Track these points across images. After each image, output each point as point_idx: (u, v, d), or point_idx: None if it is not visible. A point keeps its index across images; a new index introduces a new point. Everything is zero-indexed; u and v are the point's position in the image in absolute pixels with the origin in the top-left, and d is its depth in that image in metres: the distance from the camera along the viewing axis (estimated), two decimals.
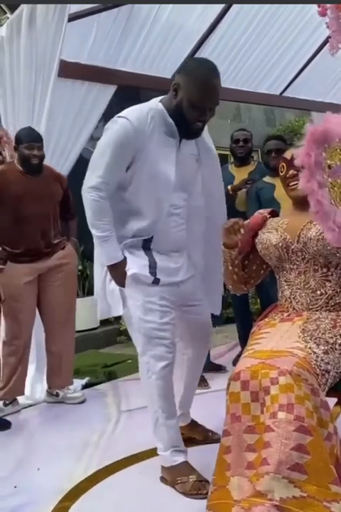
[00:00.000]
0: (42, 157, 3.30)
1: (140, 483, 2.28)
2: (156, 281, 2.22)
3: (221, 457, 1.86)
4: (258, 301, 4.34)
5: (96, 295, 2.41)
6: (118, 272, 2.22)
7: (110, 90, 4.17)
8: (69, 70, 3.85)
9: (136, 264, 2.21)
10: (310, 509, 1.60)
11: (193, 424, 2.63)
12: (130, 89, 5.03)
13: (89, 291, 5.86)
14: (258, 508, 1.61)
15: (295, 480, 1.62)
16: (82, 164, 4.18)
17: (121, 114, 2.19)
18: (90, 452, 2.65)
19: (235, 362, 3.97)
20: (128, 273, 2.20)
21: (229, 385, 1.89)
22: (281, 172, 2.14)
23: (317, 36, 4.83)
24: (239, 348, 4.19)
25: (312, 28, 4.70)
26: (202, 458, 2.35)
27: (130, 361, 4.46)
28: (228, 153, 7.22)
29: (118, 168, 2.17)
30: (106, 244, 2.20)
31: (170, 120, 2.19)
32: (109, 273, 2.27)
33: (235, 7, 4.33)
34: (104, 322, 5.73)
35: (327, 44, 4.79)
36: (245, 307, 4.13)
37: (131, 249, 2.24)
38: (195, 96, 2.11)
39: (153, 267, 2.23)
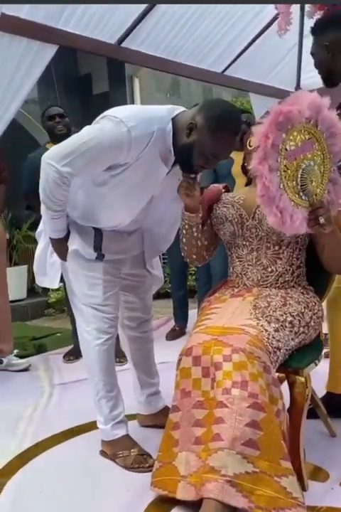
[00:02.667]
0: None
1: (78, 458, 2.21)
2: (100, 257, 2.14)
3: (168, 433, 1.84)
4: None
5: (35, 262, 2.33)
6: (60, 246, 2.14)
7: (50, 50, 3.96)
8: (8, 24, 3.63)
9: (79, 240, 2.12)
10: (261, 484, 1.61)
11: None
12: (69, 51, 4.84)
13: (16, 262, 5.66)
14: (212, 484, 1.60)
15: (248, 456, 1.62)
16: (14, 128, 3.99)
17: (123, 116, 1.88)
18: (24, 427, 2.54)
19: (168, 336, 3.99)
20: (70, 248, 2.12)
21: (179, 360, 1.87)
22: (250, 146, 2.10)
23: (261, 18, 4.85)
24: (171, 323, 4.22)
25: (257, 9, 4.71)
26: (142, 432, 2.33)
27: (59, 335, 4.36)
28: None
29: (94, 168, 1.98)
30: (54, 221, 2.08)
31: (172, 149, 1.96)
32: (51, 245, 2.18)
33: None
34: (32, 294, 5.55)
35: (270, 27, 4.89)
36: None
37: (75, 224, 2.14)
38: (211, 151, 1.92)
39: (98, 242, 2.14)
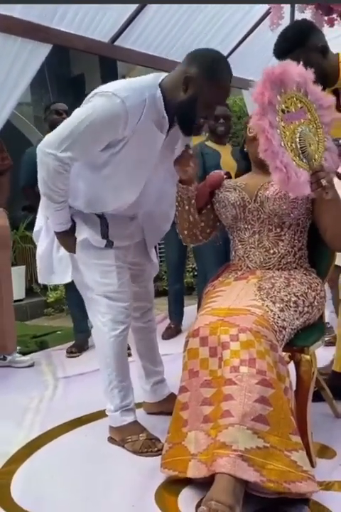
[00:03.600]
0: None
1: (87, 445, 2.23)
2: (109, 244, 2.14)
3: (177, 414, 1.86)
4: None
5: (38, 262, 2.28)
6: (67, 238, 2.12)
7: (44, 49, 3.98)
8: (2, 23, 3.64)
9: (87, 229, 2.11)
10: (272, 458, 1.63)
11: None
12: (62, 52, 4.86)
13: (13, 262, 5.65)
14: (224, 459, 1.61)
15: (258, 431, 1.64)
16: (7, 129, 4.00)
17: (114, 89, 1.87)
18: (31, 418, 2.55)
19: (164, 335, 3.98)
20: (79, 238, 2.10)
21: (187, 342, 1.89)
22: (250, 133, 2.12)
23: (252, 15, 4.90)
24: (167, 321, 4.21)
25: (247, 7, 4.76)
26: (149, 419, 2.35)
27: (60, 332, 4.37)
28: None
29: (93, 148, 1.95)
30: (58, 213, 2.06)
31: (164, 114, 1.94)
32: (56, 240, 2.16)
33: None
34: (30, 294, 5.56)
35: (261, 23, 4.94)
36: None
37: (80, 214, 2.12)
38: (214, 98, 1.93)
39: (104, 230, 2.13)
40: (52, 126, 3.69)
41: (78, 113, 1.94)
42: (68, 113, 3.66)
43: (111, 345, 2.16)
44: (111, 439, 2.23)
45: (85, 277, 2.17)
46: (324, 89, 1.99)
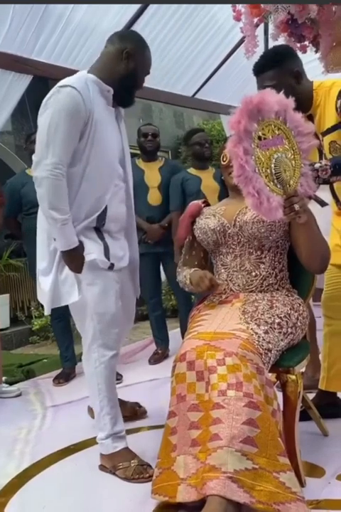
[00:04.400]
0: None
1: (78, 474, 2.24)
2: (111, 267, 2.19)
3: (166, 439, 1.88)
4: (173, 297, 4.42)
5: (41, 284, 2.24)
6: (75, 257, 2.13)
7: (25, 80, 4.06)
8: None
9: (95, 249, 2.16)
10: (261, 480, 1.65)
11: (121, 402, 2.48)
12: (41, 82, 4.91)
13: None
14: (214, 481, 1.64)
15: (247, 452, 1.67)
16: None
17: (60, 83, 2.06)
18: (20, 448, 2.54)
19: (151, 360, 3.99)
20: (87, 258, 2.14)
21: (174, 367, 1.91)
22: (223, 161, 2.21)
23: (228, 42, 5.04)
24: (153, 345, 4.20)
25: (224, 33, 4.89)
26: (140, 444, 2.36)
27: (46, 360, 4.35)
28: (138, 151, 7.30)
29: (73, 140, 2.06)
30: (64, 228, 2.08)
31: (108, 87, 2.15)
32: (57, 262, 2.16)
33: (150, 10, 4.40)
34: (15, 322, 5.54)
35: (237, 50, 5.08)
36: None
37: (85, 233, 2.16)
38: (148, 64, 2.26)
39: (107, 252, 2.19)
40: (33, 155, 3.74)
41: (44, 121, 2.06)
42: None
43: (102, 371, 2.18)
44: (102, 467, 2.23)
45: (86, 298, 2.16)
46: None
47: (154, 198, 3.88)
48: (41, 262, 2.23)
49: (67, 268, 2.15)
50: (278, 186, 1.85)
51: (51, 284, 2.17)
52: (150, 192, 3.86)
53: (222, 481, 1.63)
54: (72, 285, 2.16)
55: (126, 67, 2.16)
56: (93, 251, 2.15)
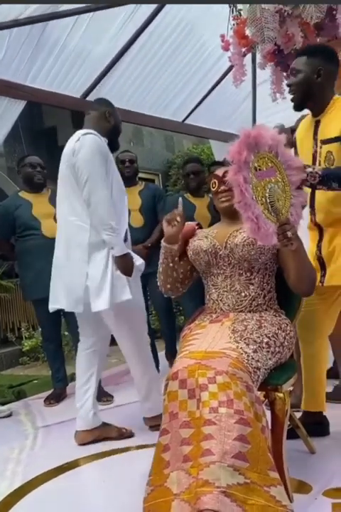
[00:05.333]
0: None
1: (70, 491, 2.27)
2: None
3: (159, 456, 1.91)
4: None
5: (94, 289, 2.65)
6: (127, 261, 2.68)
7: (19, 105, 4.13)
8: None
9: (136, 257, 2.77)
10: (253, 494, 1.70)
11: (105, 425, 2.87)
12: (34, 105, 5.00)
13: None
14: (207, 496, 1.68)
15: (238, 467, 1.72)
16: None
17: (82, 133, 2.69)
18: (12, 468, 2.58)
19: None
20: (137, 263, 2.75)
21: (166, 385, 1.96)
22: (213, 187, 2.31)
23: (217, 69, 5.16)
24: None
25: (213, 61, 5.02)
26: (128, 463, 2.40)
27: (36, 381, 4.37)
28: None
29: (109, 170, 2.70)
30: (119, 237, 2.66)
31: (104, 138, 2.80)
32: (111, 265, 2.65)
33: (142, 37, 4.52)
34: (5, 343, 5.55)
35: (226, 77, 5.21)
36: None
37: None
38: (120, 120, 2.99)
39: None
40: (26, 178, 3.82)
41: (87, 155, 2.62)
42: (42, 166, 3.79)
43: (149, 353, 2.88)
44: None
45: (135, 295, 2.71)
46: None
47: (136, 220, 3.99)
48: (92, 270, 2.66)
49: (118, 272, 2.65)
50: (272, 214, 1.96)
51: (109, 285, 2.63)
52: (132, 215, 3.93)
53: (215, 496, 1.68)
54: (125, 286, 2.66)
55: (110, 124, 2.87)
56: (136, 258, 2.75)
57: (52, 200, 3.47)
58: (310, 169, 2.22)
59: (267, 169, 2.00)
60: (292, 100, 2.46)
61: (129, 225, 3.94)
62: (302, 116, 2.84)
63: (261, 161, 1.99)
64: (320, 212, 2.44)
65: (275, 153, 2.03)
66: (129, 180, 4.07)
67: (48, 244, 3.48)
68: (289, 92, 2.48)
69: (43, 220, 3.70)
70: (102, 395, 3.49)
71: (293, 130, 2.49)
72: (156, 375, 2.99)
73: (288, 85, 2.48)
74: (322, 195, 2.38)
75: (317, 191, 2.39)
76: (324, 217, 2.43)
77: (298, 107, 2.48)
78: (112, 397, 3.56)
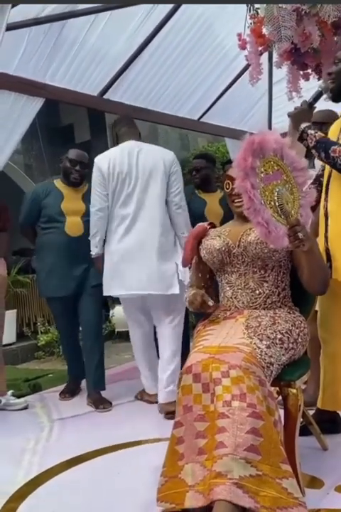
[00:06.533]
0: None
1: (86, 481, 2.32)
2: None
3: (172, 448, 1.95)
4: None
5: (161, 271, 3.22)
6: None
7: (37, 103, 4.18)
8: None
9: None
10: (265, 486, 1.74)
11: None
12: (52, 103, 5.05)
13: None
14: (220, 487, 1.71)
15: (251, 460, 1.75)
16: (2, 179, 4.15)
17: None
18: (28, 459, 2.62)
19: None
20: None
21: (180, 379, 2.00)
22: (227, 188, 2.33)
23: (234, 67, 5.17)
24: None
25: (229, 60, 5.03)
26: (144, 454, 2.43)
27: (51, 375, 4.43)
28: None
29: None
30: None
31: None
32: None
33: (159, 36, 4.55)
34: (21, 338, 5.63)
35: (242, 76, 5.22)
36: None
37: None
38: None
39: None
40: (63, 172, 3.78)
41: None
42: (84, 164, 3.77)
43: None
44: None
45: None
46: None
47: None
48: (163, 247, 3.24)
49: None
50: (282, 217, 1.97)
51: (176, 270, 3.21)
52: None
53: (228, 487, 1.71)
54: (184, 273, 3.11)
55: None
56: None
57: (87, 198, 3.56)
58: (311, 131, 2.29)
59: (273, 173, 2.03)
60: (331, 90, 2.44)
61: None
62: (319, 111, 2.88)
63: (267, 165, 2.02)
64: (333, 200, 2.43)
65: (280, 157, 2.06)
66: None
67: (69, 242, 3.54)
68: (328, 81, 2.47)
69: (69, 217, 3.63)
70: (100, 402, 3.42)
71: (310, 104, 2.46)
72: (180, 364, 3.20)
73: (329, 74, 2.48)
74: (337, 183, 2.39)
75: (332, 178, 2.39)
76: (336, 206, 2.42)
77: (336, 97, 2.46)
78: (111, 404, 3.46)
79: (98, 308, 3.68)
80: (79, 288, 3.60)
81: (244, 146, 1.98)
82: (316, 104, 2.53)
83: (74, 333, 3.88)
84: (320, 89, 2.37)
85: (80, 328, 3.83)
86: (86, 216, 3.55)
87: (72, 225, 3.60)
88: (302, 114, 2.39)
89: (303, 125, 2.35)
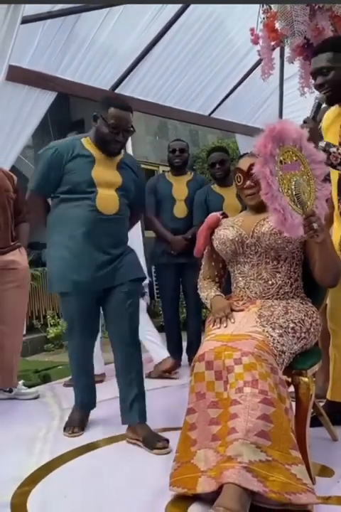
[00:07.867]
0: None
1: (97, 467, 2.34)
2: None
3: (185, 434, 1.98)
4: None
5: None
6: None
7: (50, 96, 4.22)
8: (11, 73, 3.85)
9: None
10: (274, 471, 1.76)
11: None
12: (63, 98, 5.07)
13: None
14: (230, 471, 1.74)
15: (261, 445, 1.77)
16: (11, 171, 4.17)
17: None
18: (40, 446, 2.65)
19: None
20: None
21: (193, 366, 2.03)
22: (238, 182, 2.34)
23: (245, 64, 5.19)
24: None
25: (240, 56, 5.05)
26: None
27: (61, 367, 4.46)
28: (155, 168, 7.46)
29: None
30: None
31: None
32: None
33: (170, 32, 4.58)
34: (31, 330, 5.67)
35: (253, 72, 5.24)
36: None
37: None
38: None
39: None
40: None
41: None
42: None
43: None
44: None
45: None
46: None
47: (180, 210, 4.06)
48: None
49: None
50: (298, 206, 1.98)
51: None
52: (177, 205, 4.05)
53: (237, 471, 1.73)
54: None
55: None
56: None
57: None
58: (334, 149, 2.24)
59: (292, 163, 2.03)
60: (327, 99, 2.40)
61: (172, 215, 4.06)
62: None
63: (285, 154, 2.02)
64: None
65: (299, 147, 2.07)
66: (178, 170, 4.16)
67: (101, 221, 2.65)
68: (321, 91, 2.39)
69: (101, 189, 2.67)
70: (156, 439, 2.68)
71: (313, 118, 2.45)
72: None
73: (321, 85, 2.39)
74: None
75: None
76: None
77: (332, 104, 2.47)
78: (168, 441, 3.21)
79: (135, 312, 2.74)
80: (109, 282, 2.68)
81: (264, 133, 2.00)
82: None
83: (91, 346, 2.93)
84: (317, 100, 2.35)
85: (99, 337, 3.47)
86: (121, 190, 2.73)
87: (105, 199, 2.68)
88: (313, 132, 2.30)
89: (322, 143, 2.29)
